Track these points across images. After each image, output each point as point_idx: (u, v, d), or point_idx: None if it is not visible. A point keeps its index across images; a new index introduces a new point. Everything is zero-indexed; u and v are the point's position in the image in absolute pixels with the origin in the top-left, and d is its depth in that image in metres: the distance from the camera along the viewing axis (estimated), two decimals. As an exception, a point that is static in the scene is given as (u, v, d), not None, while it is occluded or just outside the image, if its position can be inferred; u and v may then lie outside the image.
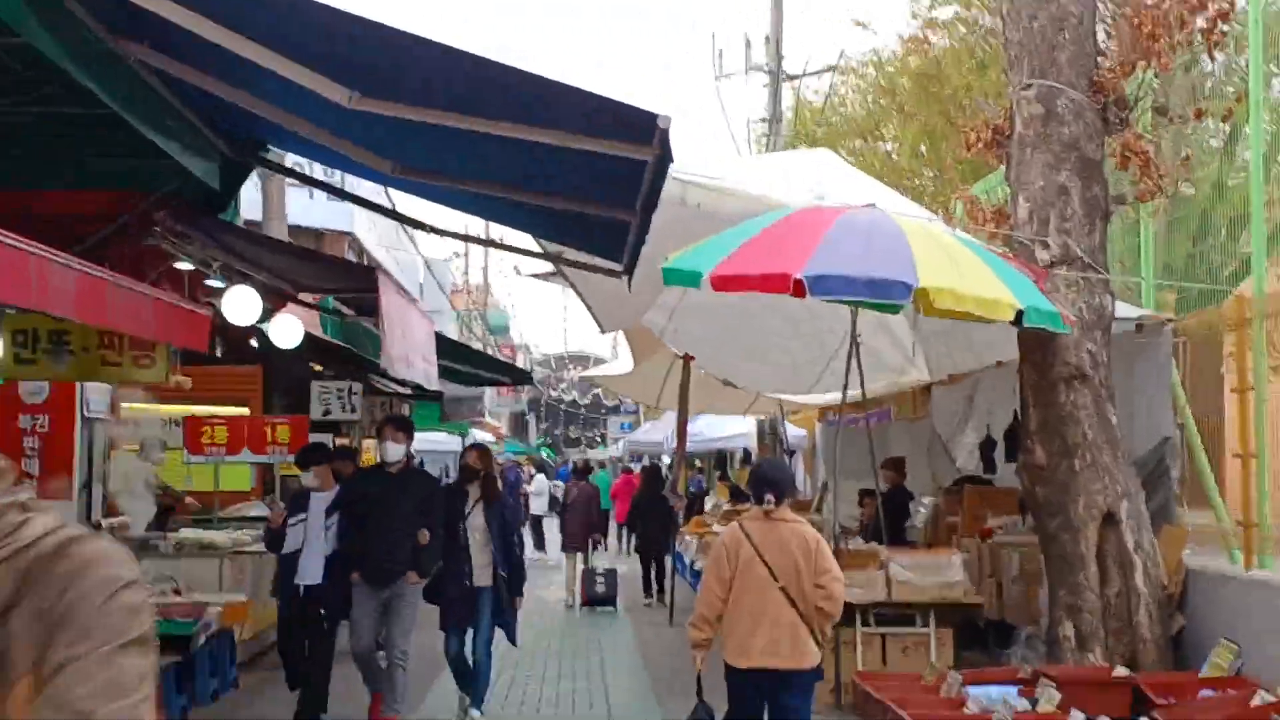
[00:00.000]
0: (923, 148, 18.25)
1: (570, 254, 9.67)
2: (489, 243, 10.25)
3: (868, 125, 19.60)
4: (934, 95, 16.33)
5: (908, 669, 9.04)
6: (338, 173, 16.21)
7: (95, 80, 6.14)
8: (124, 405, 12.98)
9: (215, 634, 8.84)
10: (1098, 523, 8.67)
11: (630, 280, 8.87)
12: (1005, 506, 11.97)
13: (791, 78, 21.82)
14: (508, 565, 9.43)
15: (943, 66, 16.15)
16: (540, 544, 26.67)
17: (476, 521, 9.38)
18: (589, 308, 11.93)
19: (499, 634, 9.79)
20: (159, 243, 9.55)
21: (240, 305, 10.49)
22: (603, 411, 69.88)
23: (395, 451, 9.25)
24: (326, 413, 14.00)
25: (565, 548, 18.76)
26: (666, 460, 35.81)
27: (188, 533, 10.56)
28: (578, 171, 6.82)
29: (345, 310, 12.76)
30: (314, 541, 9.10)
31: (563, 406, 71.05)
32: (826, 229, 8.11)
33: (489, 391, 42.58)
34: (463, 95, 5.85)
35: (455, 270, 50.55)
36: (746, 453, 27.25)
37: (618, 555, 23.35)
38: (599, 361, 54.40)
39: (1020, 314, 7.82)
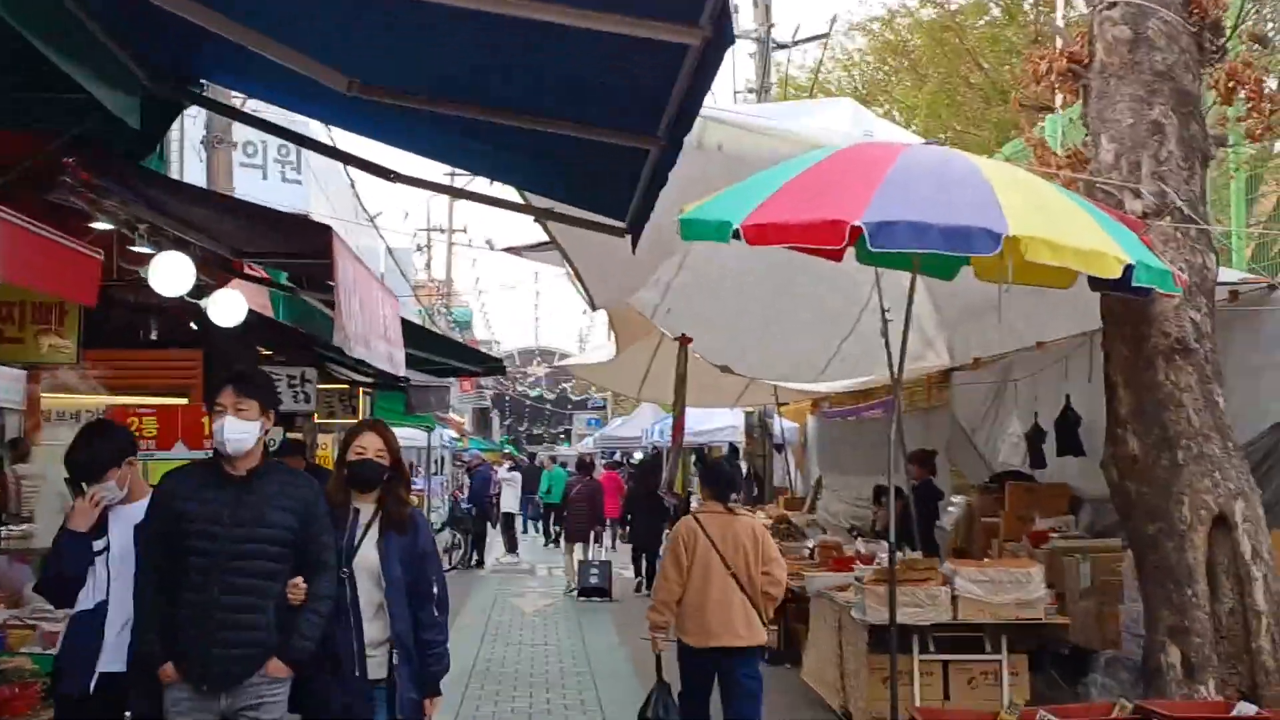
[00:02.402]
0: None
1: (561, 211, 8.15)
2: (465, 194, 8.65)
3: (870, 92, 18.04)
4: (953, 50, 14.83)
5: (975, 705, 7.53)
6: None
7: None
8: (43, 395, 11.37)
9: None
10: (1207, 527, 7.15)
11: (636, 240, 7.35)
12: (1054, 506, 10.51)
13: (781, 46, 20.25)
14: (420, 642, 5.62)
15: (959, 19, 14.67)
16: (513, 546, 25.07)
17: (369, 562, 5.55)
18: (579, 279, 10.34)
19: None
20: (69, 198, 7.98)
21: (169, 274, 8.94)
22: (569, 407, 68.48)
23: (242, 435, 5.23)
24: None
25: (568, 539, 20.42)
26: (638, 456, 34.34)
27: (107, 543, 8.88)
28: (587, 77, 5.27)
29: (291, 286, 11.21)
30: (122, 594, 5.44)
31: (528, 402, 69.47)
32: (888, 167, 6.56)
33: (451, 389, 40.96)
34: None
35: (418, 262, 48.82)
36: (733, 448, 25.72)
37: (606, 549, 21.98)
38: (564, 356, 52.93)
39: (1129, 270, 6.30)
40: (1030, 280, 7.25)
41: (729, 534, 7.41)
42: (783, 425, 20.32)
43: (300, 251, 9.15)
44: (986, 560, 8.59)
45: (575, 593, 18.72)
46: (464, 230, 52.91)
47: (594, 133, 5.86)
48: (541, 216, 8.38)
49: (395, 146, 7.64)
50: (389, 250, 31.10)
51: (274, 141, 23.60)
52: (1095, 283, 7.21)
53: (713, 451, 28.15)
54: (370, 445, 5.68)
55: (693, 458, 32.03)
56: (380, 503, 5.67)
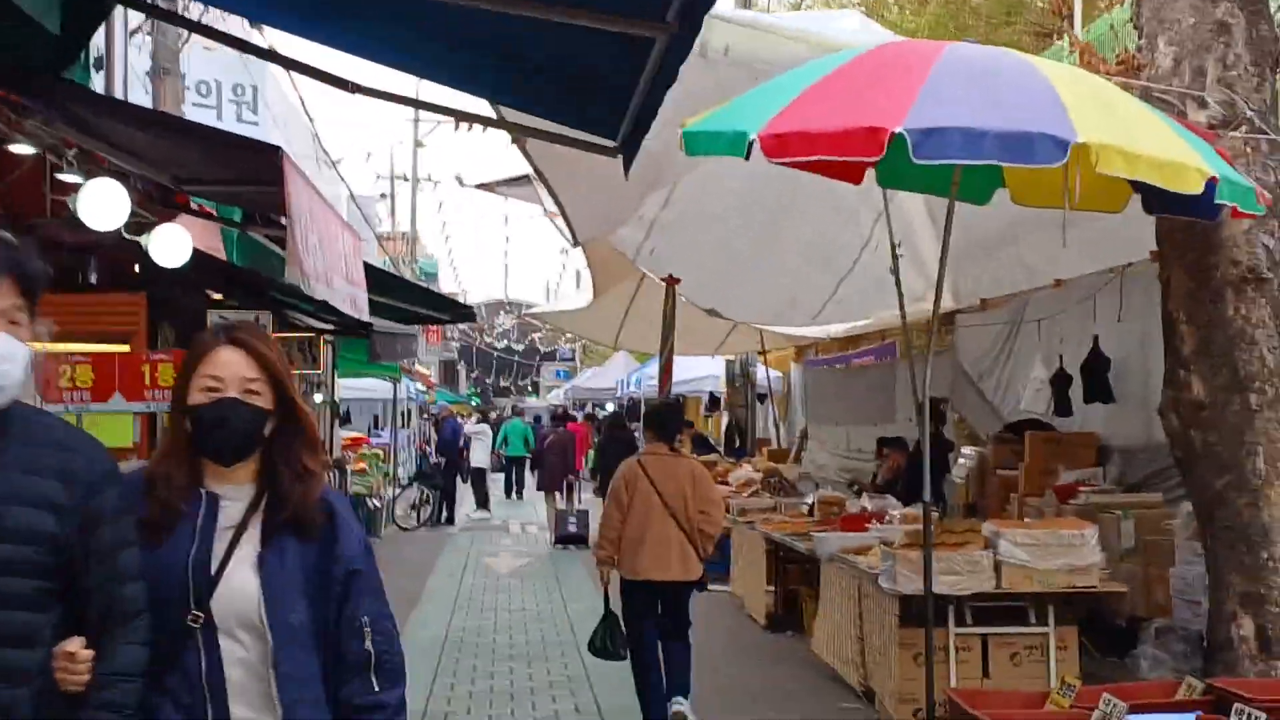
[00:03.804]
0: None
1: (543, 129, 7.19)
2: (434, 107, 7.67)
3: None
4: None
5: (1020, 684, 6.67)
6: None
7: None
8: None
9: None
10: (1285, 481, 6.31)
11: (629, 161, 6.43)
12: (1080, 457, 9.71)
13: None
14: None
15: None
16: (484, 502, 24.13)
17: (243, 595, 2.90)
18: (561, 210, 9.38)
19: None
20: (-20, 116, 6.99)
21: (101, 205, 7.97)
22: (537, 359, 67.63)
23: (15, 363, 2.77)
24: (228, 351, 11.34)
25: (542, 488, 20.60)
26: (610, 408, 33.47)
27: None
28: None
29: (240, 223, 10.25)
30: None
31: (495, 354, 68.52)
32: (930, 67, 5.63)
33: (418, 340, 40.01)
34: None
35: (382, 211, 47.61)
36: (713, 397, 24.80)
37: (579, 499, 21.19)
38: (532, 308, 52.00)
39: (1210, 185, 5.41)
40: (1110, 206, 6.42)
41: (669, 475, 7.74)
42: (767, 374, 19.46)
43: (248, 178, 8.18)
44: (1028, 519, 7.73)
45: (551, 542, 18.85)
46: (429, 178, 51.60)
47: (585, 18, 4.90)
48: (520, 135, 7.43)
49: (356, 54, 6.70)
50: (352, 196, 29.94)
51: (228, 80, 22.43)
52: (1152, 204, 6.36)
53: (684, 402, 27.33)
54: (230, 373, 2.94)
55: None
56: (263, 481, 2.99)
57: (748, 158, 5.60)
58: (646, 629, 7.75)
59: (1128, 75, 7.07)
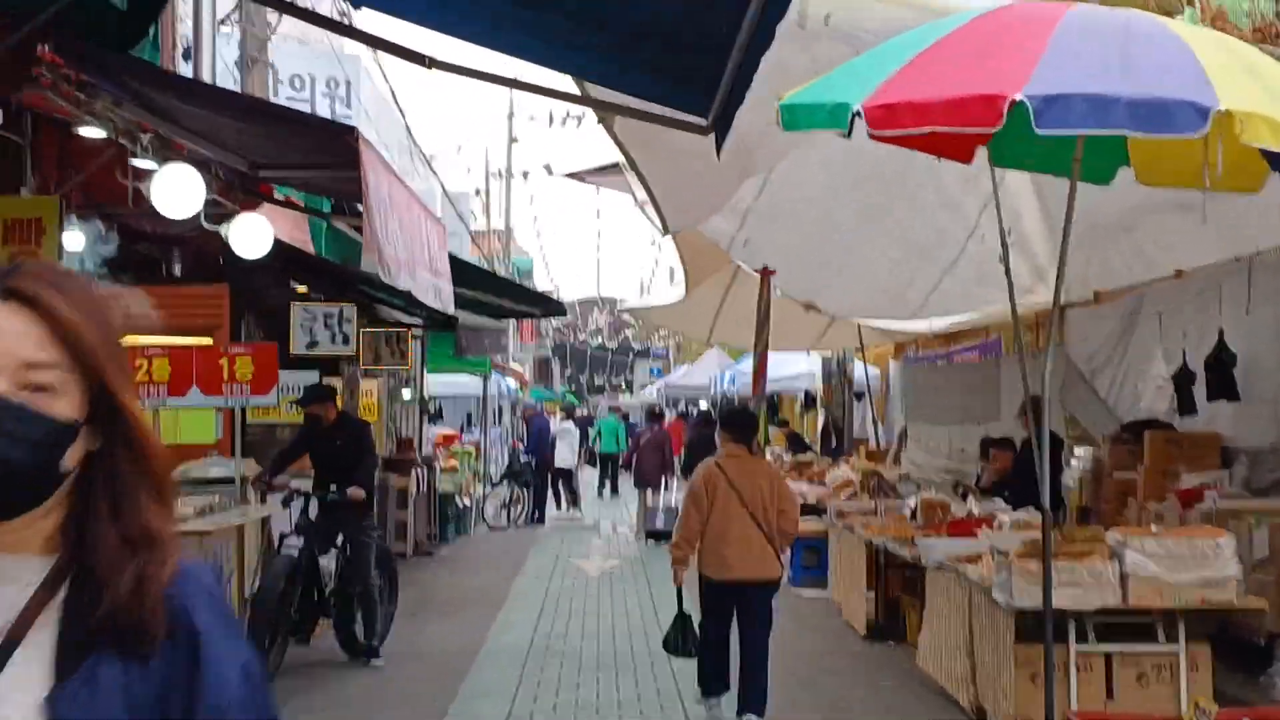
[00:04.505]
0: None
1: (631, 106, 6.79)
2: (515, 83, 7.29)
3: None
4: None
5: (1147, 706, 6.14)
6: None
7: None
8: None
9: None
10: None
11: (721, 140, 6.01)
12: (1203, 459, 9.08)
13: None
14: None
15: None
16: (575, 500, 23.72)
17: None
18: (651, 197, 8.94)
19: None
20: (47, 95, 6.75)
21: (175, 190, 7.74)
22: (630, 356, 67.41)
23: None
24: (312, 344, 11.09)
25: (637, 485, 20.63)
26: (704, 405, 33.06)
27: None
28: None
29: (323, 212, 9.99)
30: None
31: (590, 351, 68.39)
32: (1052, 29, 5.14)
33: (511, 337, 39.85)
34: None
35: (475, 206, 47.48)
36: (809, 396, 24.22)
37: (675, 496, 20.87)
38: (624, 303, 51.65)
39: (1368, 157, 4.87)
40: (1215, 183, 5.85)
41: (748, 477, 7.90)
42: (865, 371, 18.89)
43: (325, 162, 7.88)
44: (1154, 527, 7.15)
45: (644, 538, 18.99)
46: (524, 175, 51.32)
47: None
48: (608, 113, 7.03)
49: (436, 29, 6.34)
50: (445, 193, 29.79)
51: (322, 74, 22.45)
52: (1293, 184, 5.81)
53: (781, 402, 26.79)
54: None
55: (763, 406, 30.72)
56: (67, 550, 1.52)
57: (850, 133, 5.14)
58: (720, 629, 7.93)
59: (1266, 44, 6.52)
